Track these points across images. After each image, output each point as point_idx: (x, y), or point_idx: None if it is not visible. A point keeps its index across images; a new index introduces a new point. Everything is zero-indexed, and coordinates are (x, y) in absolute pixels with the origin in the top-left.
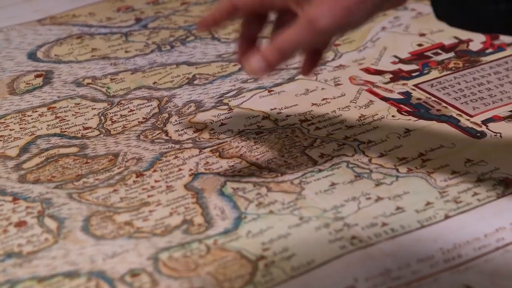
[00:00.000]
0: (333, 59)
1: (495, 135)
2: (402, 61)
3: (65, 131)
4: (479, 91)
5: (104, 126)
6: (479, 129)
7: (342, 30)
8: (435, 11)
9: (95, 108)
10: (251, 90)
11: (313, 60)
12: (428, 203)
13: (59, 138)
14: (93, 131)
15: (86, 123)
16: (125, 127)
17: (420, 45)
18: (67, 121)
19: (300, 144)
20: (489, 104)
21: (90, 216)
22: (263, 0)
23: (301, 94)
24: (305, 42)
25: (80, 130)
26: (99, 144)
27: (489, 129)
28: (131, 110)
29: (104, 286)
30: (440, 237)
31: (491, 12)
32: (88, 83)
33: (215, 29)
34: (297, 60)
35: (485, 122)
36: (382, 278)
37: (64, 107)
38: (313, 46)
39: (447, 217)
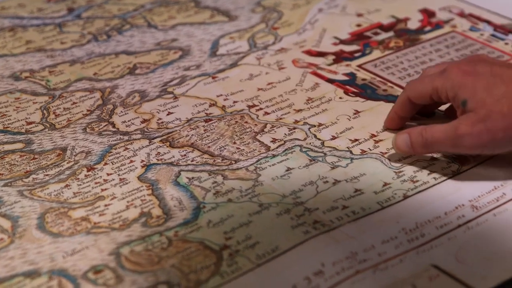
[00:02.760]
0: (273, 43)
1: (443, 114)
2: (342, 42)
3: (8, 127)
4: (422, 69)
5: (48, 120)
6: None
7: (484, 152)
8: None
9: (36, 102)
10: (194, 77)
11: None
12: (385, 184)
13: (3, 134)
14: (37, 125)
15: (29, 118)
16: (70, 120)
17: (358, 25)
18: (8, 116)
19: (251, 130)
20: None
21: (44, 213)
22: (433, 97)
23: (245, 80)
24: (446, 148)
25: (23, 125)
26: (45, 138)
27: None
28: (74, 103)
29: (67, 284)
30: (401, 218)
31: None
32: (26, 77)
33: (399, 125)
34: (238, 46)
35: None
36: (349, 261)
37: (4, 102)
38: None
39: (405, 197)
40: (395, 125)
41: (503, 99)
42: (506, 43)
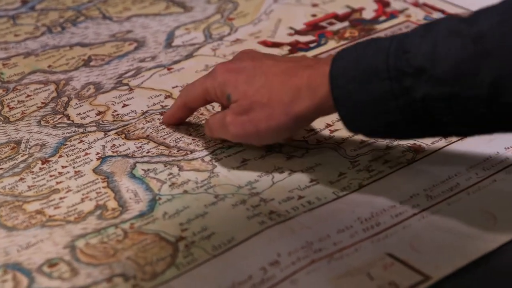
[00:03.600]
0: (229, 34)
1: None
2: (298, 32)
3: None
4: None
5: (2, 113)
6: None
7: (251, 142)
8: (348, 126)
9: None
10: (150, 69)
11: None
12: (341, 174)
13: None
14: None
15: None
16: (24, 113)
17: (314, 15)
18: None
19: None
20: None
21: None
22: (205, 94)
23: (201, 70)
24: (221, 135)
25: None
26: None
27: None
28: (28, 96)
29: (21, 278)
30: (357, 207)
31: (394, 110)
32: None
33: (178, 123)
34: (193, 37)
35: None
36: (304, 251)
37: None
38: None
39: (361, 186)
40: (172, 123)
41: (262, 89)
42: None
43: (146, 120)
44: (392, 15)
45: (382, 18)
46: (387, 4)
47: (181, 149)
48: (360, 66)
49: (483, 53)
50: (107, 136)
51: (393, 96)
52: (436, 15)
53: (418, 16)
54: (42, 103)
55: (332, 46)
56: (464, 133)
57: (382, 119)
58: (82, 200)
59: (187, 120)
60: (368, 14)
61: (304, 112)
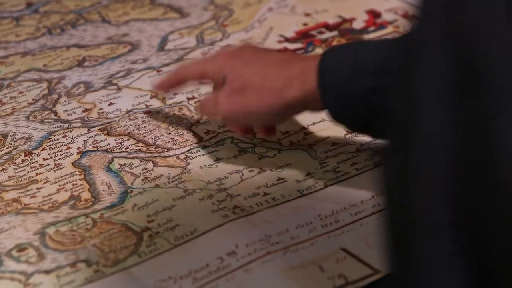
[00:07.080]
0: (221, 39)
1: None
2: (288, 40)
3: None
4: None
5: None
6: None
7: (241, 121)
8: (333, 116)
9: None
10: (139, 70)
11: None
12: (308, 174)
13: None
14: None
15: None
16: (15, 108)
17: (305, 24)
18: None
19: (187, 121)
20: None
21: None
22: (203, 74)
23: None
24: (213, 113)
25: None
26: None
27: None
28: (21, 92)
29: None
30: (319, 205)
31: (375, 106)
32: None
33: (168, 92)
34: (186, 41)
35: None
36: (261, 243)
37: None
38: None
39: (326, 186)
40: (161, 90)
41: (257, 74)
42: None
43: (129, 118)
44: (382, 26)
45: (371, 28)
46: (378, 15)
47: (159, 147)
48: (349, 61)
49: None
50: (90, 132)
51: (376, 92)
52: None
53: (406, 27)
54: (33, 99)
55: (318, 53)
56: None
57: (364, 113)
58: (58, 191)
59: (168, 119)
60: (358, 24)
61: (293, 100)
